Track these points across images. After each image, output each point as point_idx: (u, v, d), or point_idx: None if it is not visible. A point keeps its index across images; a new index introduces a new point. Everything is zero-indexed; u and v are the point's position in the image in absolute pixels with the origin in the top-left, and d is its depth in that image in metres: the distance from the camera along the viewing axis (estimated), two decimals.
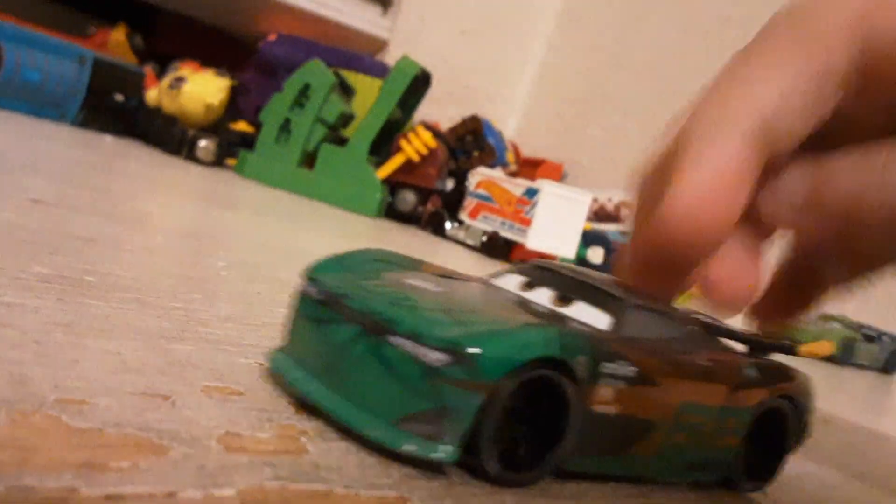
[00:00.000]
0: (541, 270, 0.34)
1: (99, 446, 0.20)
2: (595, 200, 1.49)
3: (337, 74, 1.31)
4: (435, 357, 0.25)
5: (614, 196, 1.57)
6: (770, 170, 0.29)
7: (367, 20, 1.73)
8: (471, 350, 0.25)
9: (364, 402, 0.26)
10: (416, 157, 1.33)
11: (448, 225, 1.31)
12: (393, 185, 1.36)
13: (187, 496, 0.19)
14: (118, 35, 1.59)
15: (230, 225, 0.72)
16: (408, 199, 1.34)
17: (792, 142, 0.29)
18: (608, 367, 0.28)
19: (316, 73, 1.29)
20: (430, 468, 0.26)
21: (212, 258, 0.53)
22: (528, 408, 0.27)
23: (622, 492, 0.29)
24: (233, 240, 0.64)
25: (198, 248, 0.56)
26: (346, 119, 1.33)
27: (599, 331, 0.29)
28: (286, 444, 0.24)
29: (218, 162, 1.33)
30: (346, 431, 0.27)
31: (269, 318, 0.39)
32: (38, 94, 1.18)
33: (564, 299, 0.31)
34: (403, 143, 1.33)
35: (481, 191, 1.29)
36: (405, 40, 1.75)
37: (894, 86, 0.27)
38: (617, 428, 0.29)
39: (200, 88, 1.33)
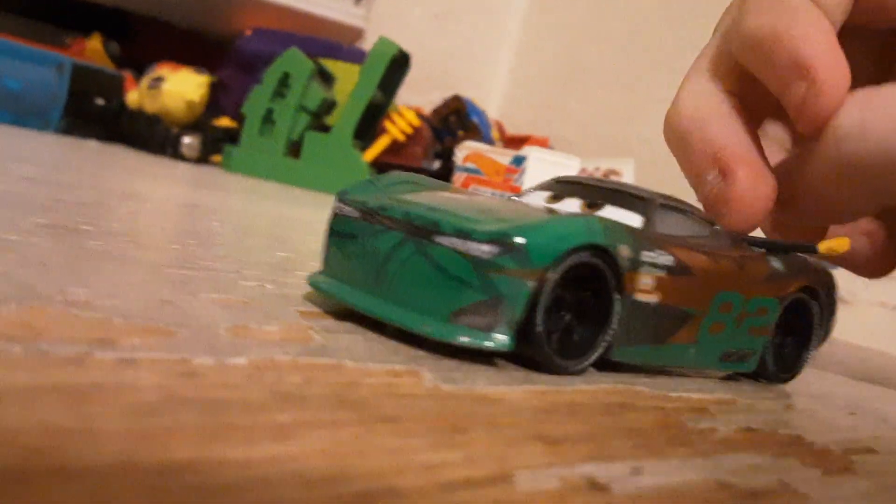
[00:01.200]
0: (564, 184, 0.34)
1: (109, 329, 0.21)
2: (583, 170, 1.49)
3: (315, 62, 1.31)
4: (485, 249, 0.26)
5: (601, 164, 1.58)
6: None
7: (341, 10, 1.73)
8: (519, 239, 0.25)
9: (415, 303, 0.27)
10: (401, 137, 1.33)
11: None
12: (380, 167, 1.36)
13: (200, 362, 0.20)
14: (94, 43, 1.59)
15: (221, 200, 0.73)
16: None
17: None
18: (648, 256, 0.29)
19: (294, 61, 1.29)
20: (439, 346, 0.26)
21: (205, 220, 0.53)
22: (575, 297, 0.27)
23: (628, 369, 0.30)
24: (225, 209, 0.65)
25: (190, 213, 0.56)
26: (329, 106, 1.33)
27: (638, 227, 0.30)
28: (293, 334, 0.25)
29: (203, 158, 1.33)
30: (354, 326, 0.27)
31: (266, 259, 0.40)
32: (20, 102, 1.18)
33: (593, 205, 0.32)
34: (388, 124, 1.34)
35: (469, 164, 1.29)
36: (380, 28, 1.74)
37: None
38: (658, 316, 0.29)
39: (180, 86, 1.33)
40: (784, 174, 0.29)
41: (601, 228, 0.27)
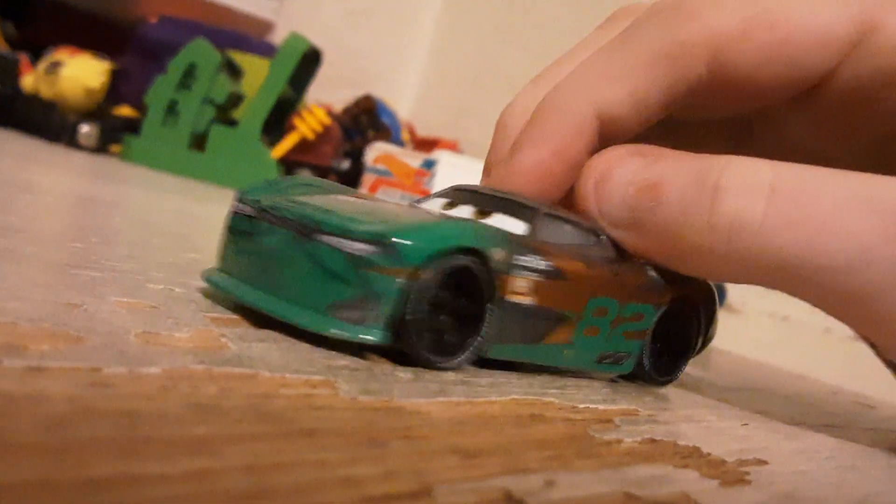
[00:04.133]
0: (461, 192, 0.36)
1: (15, 335, 0.20)
2: None
3: (224, 54, 1.29)
4: (360, 247, 0.27)
5: None
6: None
7: (252, 2, 1.70)
8: (393, 239, 0.27)
9: (295, 297, 0.28)
10: (311, 136, 1.32)
11: None
12: (288, 164, 1.34)
13: (111, 371, 0.19)
14: None
15: (123, 194, 0.70)
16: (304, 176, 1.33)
17: (627, 133, 0.34)
18: (522, 260, 0.30)
19: (201, 52, 1.26)
20: (354, 355, 0.26)
21: (106, 215, 0.52)
22: (450, 298, 0.29)
23: (537, 380, 0.31)
24: (127, 204, 0.63)
25: (91, 207, 0.54)
26: (236, 99, 1.31)
27: (516, 233, 0.31)
28: (206, 341, 0.24)
29: (102, 148, 1.28)
30: (267, 334, 0.27)
31: (173, 260, 0.39)
32: None
33: (484, 213, 0.33)
34: (297, 121, 1.32)
35: (380, 166, 1.29)
36: (292, 22, 1.72)
37: (732, 100, 0.33)
38: (532, 317, 0.31)
39: (79, 72, 1.29)
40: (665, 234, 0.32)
41: (474, 232, 0.29)
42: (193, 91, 1.26)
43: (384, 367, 0.26)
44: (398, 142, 1.65)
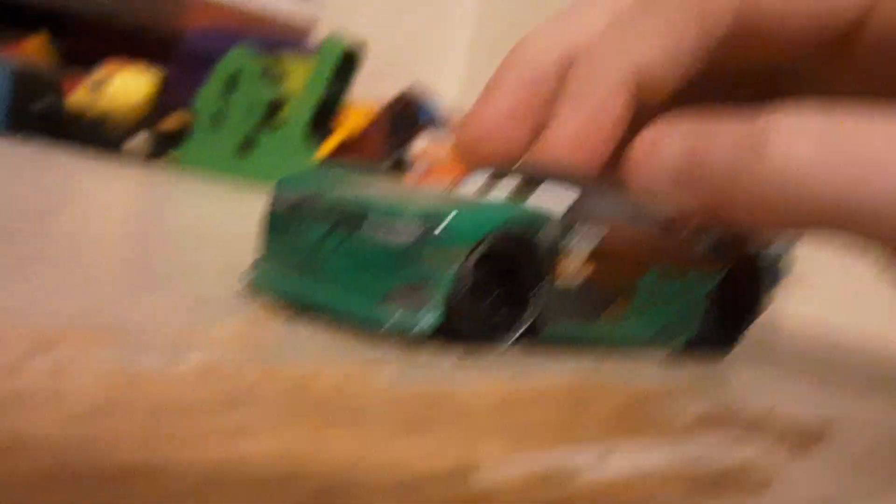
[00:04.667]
0: (502, 169, 0.35)
1: (48, 334, 0.20)
2: None
3: (264, 59, 1.29)
4: (410, 231, 0.26)
5: None
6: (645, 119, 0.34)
7: (290, 6, 1.71)
8: (444, 221, 0.26)
9: (344, 288, 0.27)
10: (355, 134, 1.32)
11: None
12: (342, 157, 1.34)
13: (145, 366, 0.19)
14: (37, 43, 1.54)
15: (168, 200, 0.71)
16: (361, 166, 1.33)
17: (663, 94, 0.32)
18: (573, 237, 0.29)
19: (243, 59, 1.27)
20: (398, 339, 0.26)
21: (151, 221, 0.52)
22: (501, 278, 0.28)
23: (592, 356, 0.30)
24: (172, 208, 0.63)
25: (136, 214, 0.55)
26: (279, 103, 1.31)
27: (564, 207, 0.30)
28: (244, 334, 0.24)
29: (152, 158, 1.30)
30: (309, 324, 0.26)
31: (217, 259, 0.38)
32: None
33: (527, 188, 0.32)
34: (341, 120, 1.32)
35: (424, 159, 1.28)
36: (331, 22, 1.73)
37: (765, 50, 0.31)
38: (585, 294, 0.30)
39: (125, 86, 1.30)
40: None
41: (523, 211, 0.28)
42: (237, 98, 1.27)
43: (430, 351, 0.25)
44: (444, 132, 1.64)
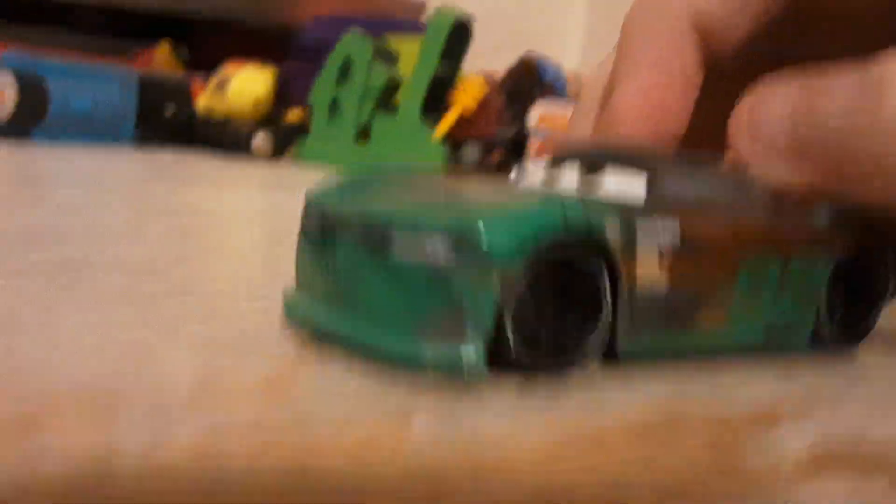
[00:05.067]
0: (565, 153, 0.31)
1: (42, 402, 0.18)
2: None
3: (376, 42, 1.28)
4: (439, 251, 0.22)
5: None
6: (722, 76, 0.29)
7: None
8: (478, 238, 0.22)
9: (376, 320, 0.23)
10: (471, 108, 1.29)
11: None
12: (454, 142, 1.32)
13: (128, 448, 0.17)
14: (162, 51, 1.60)
15: (277, 202, 0.71)
16: (471, 153, 1.31)
17: (731, 41, 0.29)
18: (649, 232, 0.25)
19: (354, 44, 1.27)
20: (443, 377, 0.23)
21: (241, 228, 0.51)
22: (559, 293, 0.24)
23: (680, 373, 0.26)
24: (273, 211, 0.63)
25: (228, 223, 0.54)
26: (394, 85, 1.30)
27: (635, 196, 0.26)
28: (264, 385, 0.21)
29: (277, 153, 1.32)
30: (344, 364, 0.24)
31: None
32: (91, 121, 1.20)
33: (593, 170, 0.28)
34: (456, 96, 1.30)
35: (542, 127, 1.24)
36: None
37: None
38: (669, 299, 0.25)
39: (245, 84, 1.33)
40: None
41: (580, 213, 0.23)
42: (352, 84, 1.27)
43: (477, 389, 0.22)
44: (565, 98, 1.58)
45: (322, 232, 0.26)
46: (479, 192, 0.27)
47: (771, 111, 0.28)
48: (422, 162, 1.24)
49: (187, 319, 0.26)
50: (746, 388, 0.25)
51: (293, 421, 0.19)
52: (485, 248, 0.22)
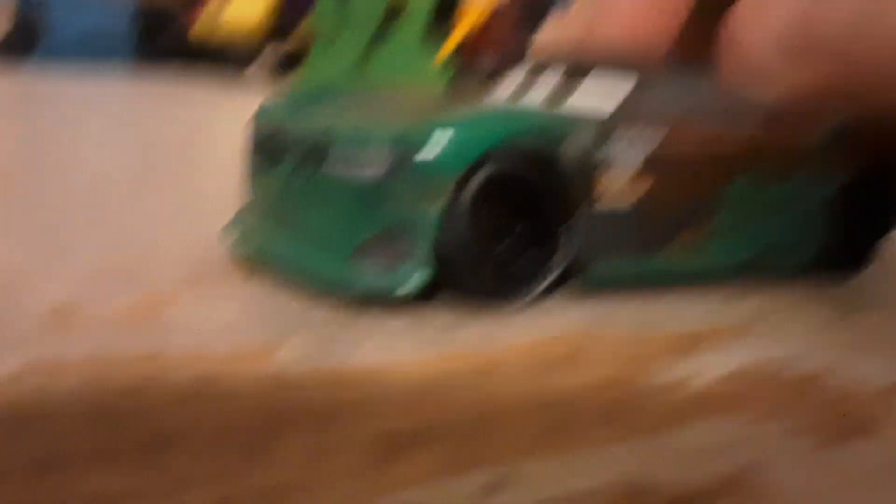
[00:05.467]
0: (546, 59, 0.29)
1: None
2: None
3: None
4: (375, 168, 0.21)
5: None
6: None
7: None
8: (415, 152, 0.20)
9: (316, 240, 0.22)
10: (481, 21, 1.25)
11: None
12: (465, 56, 1.28)
13: None
14: None
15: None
16: (485, 67, 1.27)
17: None
18: (620, 145, 0.23)
19: None
20: (350, 301, 0.21)
21: (212, 151, 0.50)
22: (513, 213, 0.22)
23: (633, 298, 0.24)
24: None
25: (212, 145, 0.53)
26: (396, 10, 1.27)
27: (604, 109, 0.24)
28: (147, 310, 0.20)
29: (276, 78, 1.30)
30: (253, 283, 0.22)
31: None
32: (91, 41, 1.19)
33: (574, 76, 0.26)
34: (465, 9, 1.26)
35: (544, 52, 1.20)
36: None
37: None
38: (642, 221, 0.24)
39: (243, 9, 1.30)
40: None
41: (532, 126, 0.21)
42: (353, 10, 1.23)
43: (377, 314, 0.21)
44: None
45: (265, 149, 0.24)
46: (430, 105, 0.25)
47: (770, 14, 0.25)
48: (427, 78, 1.21)
49: (92, 245, 0.25)
50: (682, 315, 0.23)
51: (151, 345, 0.17)
52: (426, 159, 0.20)
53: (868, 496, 0.14)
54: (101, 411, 0.14)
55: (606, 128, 0.23)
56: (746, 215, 0.26)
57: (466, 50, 1.29)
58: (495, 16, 1.29)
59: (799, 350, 0.21)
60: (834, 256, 0.28)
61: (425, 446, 0.14)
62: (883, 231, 0.29)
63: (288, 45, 1.33)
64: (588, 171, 0.22)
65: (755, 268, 0.26)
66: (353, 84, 0.30)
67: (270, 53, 1.30)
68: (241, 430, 0.14)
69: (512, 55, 1.35)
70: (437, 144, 0.20)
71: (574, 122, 0.22)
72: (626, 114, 0.24)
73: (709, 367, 0.19)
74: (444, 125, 0.21)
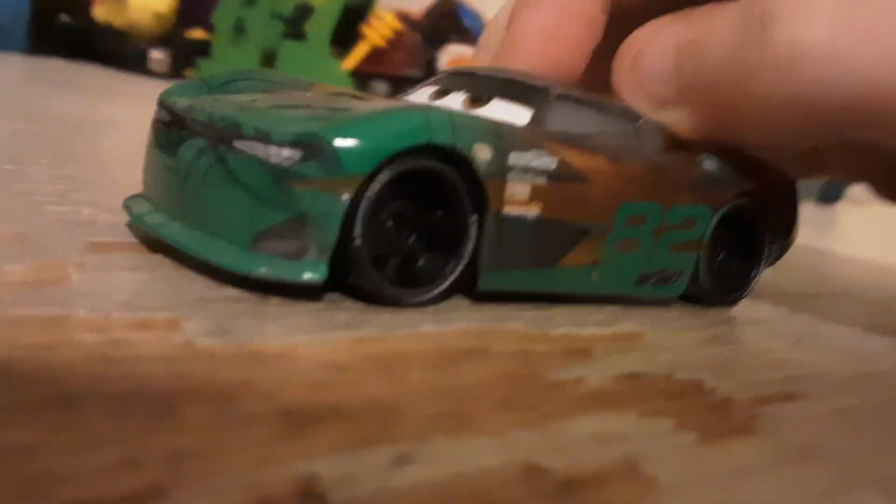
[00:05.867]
0: (455, 76, 0.29)
1: None
2: None
3: None
4: (285, 154, 0.20)
5: None
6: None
7: None
8: (327, 141, 0.20)
9: (215, 226, 0.21)
10: (381, 43, 1.25)
11: None
12: (362, 76, 1.29)
13: None
14: None
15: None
16: (379, 89, 1.28)
17: None
18: (521, 159, 0.23)
19: None
20: (252, 287, 0.21)
21: (96, 138, 0.48)
22: (418, 213, 0.22)
23: (529, 305, 0.25)
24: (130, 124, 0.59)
25: (90, 132, 0.51)
26: (304, 11, 1.26)
27: (516, 123, 0.25)
28: (43, 275, 0.19)
29: (175, 73, 1.26)
30: (150, 261, 0.22)
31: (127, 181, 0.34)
32: None
33: (478, 99, 0.27)
34: (367, 29, 1.26)
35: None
36: None
37: None
38: (541, 234, 0.24)
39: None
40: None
41: (447, 124, 0.21)
42: (259, 6, 1.21)
43: (279, 301, 0.21)
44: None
45: (170, 129, 0.24)
46: (340, 101, 0.25)
47: (658, 44, 0.27)
48: None
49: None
50: (578, 322, 0.24)
51: (54, 313, 0.17)
52: (339, 151, 0.20)
53: (739, 486, 0.15)
54: (6, 369, 0.13)
55: (516, 138, 0.23)
56: (635, 239, 0.27)
57: (369, 66, 1.30)
58: (398, 39, 1.30)
59: (683, 360, 0.23)
60: (712, 285, 0.30)
61: (333, 422, 0.15)
62: (756, 264, 0.31)
63: (189, 39, 1.30)
64: (496, 178, 0.22)
65: (638, 291, 0.27)
66: (264, 73, 0.30)
67: (172, 45, 1.26)
68: (148, 395, 0.14)
69: (413, 75, 1.36)
70: (351, 137, 0.20)
71: (488, 127, 0.23)
72: (540, 126, 0.25)
73: (602, 369, 0.20)
74: (360, 118, 0.21)
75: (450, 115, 0.22)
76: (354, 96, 0.27)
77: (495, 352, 0.20)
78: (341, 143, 0.20)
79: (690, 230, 0.28)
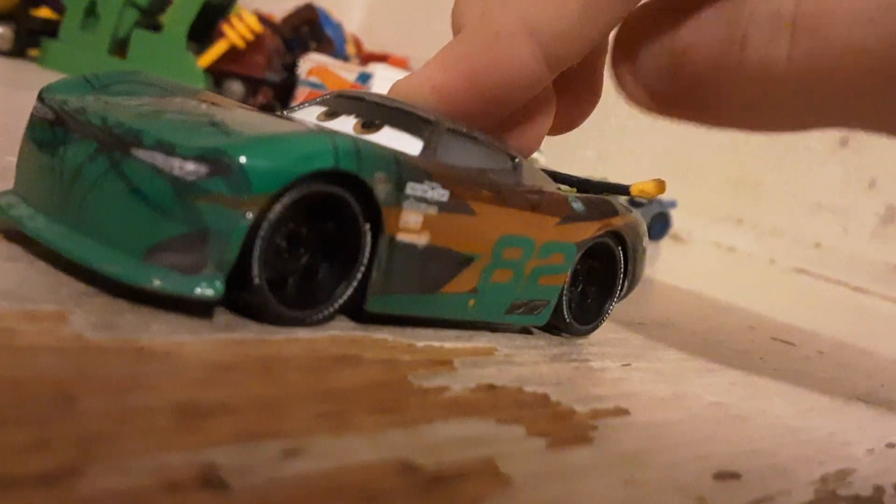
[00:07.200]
0: (343, 99, 0.29)
1: None
2: None
3: None
4: (190, 168, 0.20)
5: None
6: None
7: None
8: (235, 159, 0.20)
9: (105, 234, 0.21)
10: (240, 44, 1.24)
11: None
12: (217, 74, 1.26)
13: None
14: None
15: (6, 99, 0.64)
16: (234, 88, 1.26)
17: (574, 46, 0.28)
18: (416, 189, 0.24)
19: None
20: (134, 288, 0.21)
21: None
22: (318, 234, 0.23)
23: (386, 327, 0.26)
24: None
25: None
26: (161, 2, 1.22)
27: (408, 154, 0.25)
28: None
29: (18, 52, 1.19)
30: (24, 254, 0.22)
31: None
32: None
33: (369, 125, 0.27)
34: (226, 28, 1.24)
35: (313, 78, 1.22)
36: None
37: None
38: (427, 261, 0.25)
39: None
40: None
41: (353, 150, 0.22)
42: None
43: (160, 303, 0.21)
44: (343, 56, 1.57)
45: (54, 132, 0.23)
46: (241, 117, 0.25)
47: (648, 52, 0.28)
48: None
49: None
50: (440, 338, 0.26)
51: None
52: (243, 171, 0.20)
53: (578, 482, 0.18)
54: None
55: (413, 168, 0.24)
56: (508, 272, 0.28)
57: (225, 64, 1.28)
58: (258, 41, 1.29)
59: (531, 375, 0.25)
60: (569, 316, 0.32)
61: (223, 417, 0.16)
62: (610, 297, 0.34)
63: (38, 15, 1.23)
64: (392, 206, 0.23)
65: (508, 320, 0.29)
66: (150, 76, 0.29)
67: (15, 21, 1.19)
68: (47, 383, 0.15)
69: (270, 78, 1.35)
70: (260, 157, 0.20)
71: (389, 156, 0.24)
72: (431, 157, 0.26)
73: (462, 380, 0.22)
74: (268, 137, 0.21)
75: (354, 141, 0.23)
76: (251, 109, 0.27)
77: (367, 359, 0.22)
78: (250, 162, 0.20)
79: (558, 264, 0.30)
